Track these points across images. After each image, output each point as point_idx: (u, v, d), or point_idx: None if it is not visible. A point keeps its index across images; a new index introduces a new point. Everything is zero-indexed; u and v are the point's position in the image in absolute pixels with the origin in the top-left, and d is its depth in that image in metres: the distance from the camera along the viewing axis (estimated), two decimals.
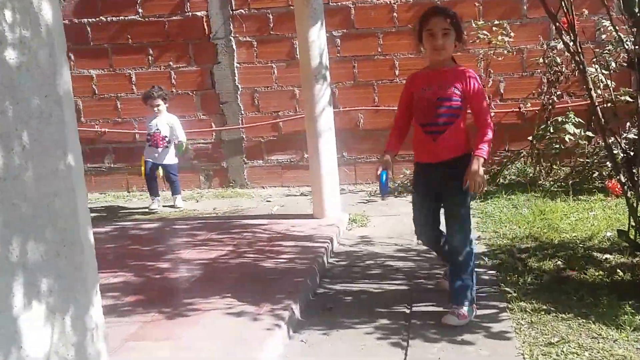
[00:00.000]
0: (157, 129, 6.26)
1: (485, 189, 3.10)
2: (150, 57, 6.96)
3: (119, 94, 7.06)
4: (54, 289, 1.59)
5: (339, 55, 6.68)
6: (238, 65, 6.87)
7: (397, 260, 4.18)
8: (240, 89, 6.89)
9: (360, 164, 6.87)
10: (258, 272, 3.80)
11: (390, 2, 6.58)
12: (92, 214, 6.13)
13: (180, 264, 4.04)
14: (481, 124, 3.14)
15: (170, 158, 6.34)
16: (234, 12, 6.79)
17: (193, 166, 7.04)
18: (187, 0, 6.83)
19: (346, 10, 6.65)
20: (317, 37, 5.02)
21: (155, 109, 6.29)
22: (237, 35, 6.83)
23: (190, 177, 7.03)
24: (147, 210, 6.26)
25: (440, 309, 3.25)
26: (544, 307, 3.21)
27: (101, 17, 6.95)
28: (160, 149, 6.26)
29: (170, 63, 6.95)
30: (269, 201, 6.37)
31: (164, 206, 6.36)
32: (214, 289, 3.51)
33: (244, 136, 6.98)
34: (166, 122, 6.30)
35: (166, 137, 6.28)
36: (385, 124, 6.73)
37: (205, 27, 6.85)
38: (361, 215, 5.38)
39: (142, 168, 6.30)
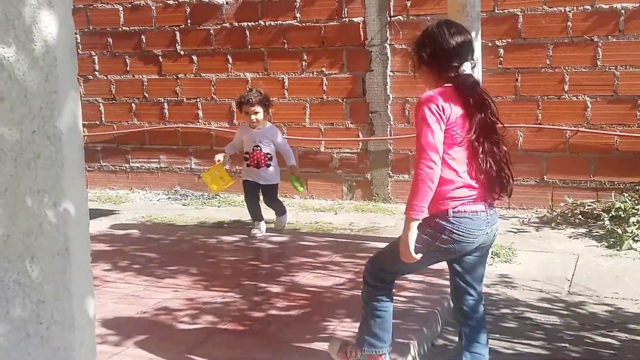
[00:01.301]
0: (257, 146, 5.19)
1: (419, 257, 2.43)
2: (304, 62, 6.84)
3: (271, 98, 6.98)
4: None
5: (500, 66, 6.10)
6: (391, 73, 6.52)
7: (538, 312, 3.61)
8: (392, 99, 6.54)
9: (515, 187, 6.20)
10: None
11: (565, 10, 5.88)
12: (231, 217, 6.02)
13: (292, 290, 3.76)
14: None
15: (271, 177, 5.27)
16: (392, 18, 6.45)
17: (336, 176, 6.81)
18: (346, 5, 6.61)
19: (513, 18, 6.03)
20: None
21: (253, 117, 5.15)
22: (392, 43, 6.49)
23: (333, 186, 6.80)
24: (250, 235, 5.21)
25: None
26: None
27: (260, 21, 6.94)
28: (262, 170, 5.23)
29: (323, 69, 6.77)
30: None
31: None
32: (316, 327, 3.19)
33: (392, 148, 6.61)
34: (266, 135, 5.24)
35: (269, 154, 5.21)
36: (547, 144, 6.06)
37: (362, 33, 6.58)
38: (507, 248, 4.76)
39: (208, 179, 5.22)
